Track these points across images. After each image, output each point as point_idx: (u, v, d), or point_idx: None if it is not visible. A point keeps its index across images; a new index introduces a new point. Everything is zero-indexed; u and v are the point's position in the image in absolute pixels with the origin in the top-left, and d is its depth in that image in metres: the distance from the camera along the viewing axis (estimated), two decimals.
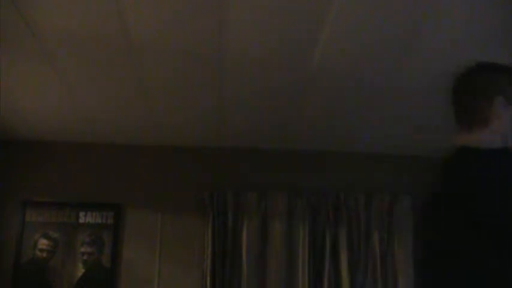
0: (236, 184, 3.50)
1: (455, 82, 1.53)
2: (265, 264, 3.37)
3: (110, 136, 3.50)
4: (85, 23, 2.22)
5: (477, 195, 1.31)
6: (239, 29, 2.25)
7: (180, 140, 3.55)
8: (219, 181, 3.51)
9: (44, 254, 3.37)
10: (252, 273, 3.33)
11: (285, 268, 3.36)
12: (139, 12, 2.15)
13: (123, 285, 3.37)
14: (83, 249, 3.39)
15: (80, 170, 3.55)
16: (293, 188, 3.51)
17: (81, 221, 3.43)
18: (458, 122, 1.51)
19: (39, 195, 3.47)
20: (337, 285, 3.35)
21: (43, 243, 3.38)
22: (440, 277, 1.35)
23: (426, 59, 2.46)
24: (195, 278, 3.37)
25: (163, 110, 3.09)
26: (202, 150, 3.63)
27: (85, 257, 3.39)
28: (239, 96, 2.90)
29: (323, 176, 3.62)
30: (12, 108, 3.09)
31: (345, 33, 2.27)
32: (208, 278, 3.29)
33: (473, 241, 1.29)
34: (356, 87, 2.76)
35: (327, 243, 3.39)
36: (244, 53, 2.45)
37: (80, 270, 3.37)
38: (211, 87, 2.79)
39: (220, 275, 3.29)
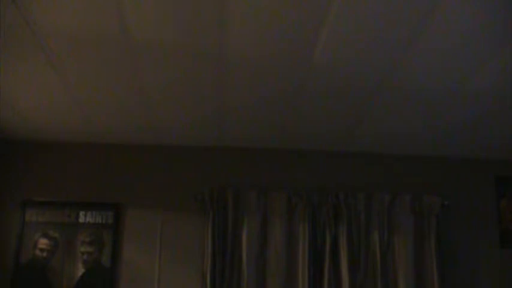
0: (236, 184, 3.50)
1: None
2: (265, 264, 3.37)
3: (110, 136, 3.50)
4: (85, 23, 2.22)
5: None
6: (239, 29, 2.25)
7: (180, 140, 3.55)
8: (219, 181, 3.51)
9: (44, 254, 3.37)
10: (252, 273, 3.33)
11: (285, 268, 3.35)
12: (139, 12, 2.15)
13: (123, 285, 3.38)
14: (82, 249, 3.40)
15: (80, 170, 3.55)
16: (293, 188, 3.51)
17: (81, 220, 3.44)
18: None
19: (39, 195, 3.47)
20: (337, 285, 3.35)
21: (43, 242, 3.39)
22: None
23: (426, 59, 2.46)
24: (195, 278, 3.38)
25: (163, 110, 3.09)
26: (202, 150, 3.63)
27: (85, 257, 3.39)
28: (239, 96, 2.90)
29: (323, 176, 3.62)
30: (12, 108, 3.09)
31: (345, 33, 2.27)
32: (208, 278, 3.29)
33: None
34: (356, 87, 2.76)
35: (327, 243, 3.39)
36: (244, 53, 2.45)
37: (80, 270, 3.37)
38: (211, 86, 2.79)
39: (220, 275, 3.29)
